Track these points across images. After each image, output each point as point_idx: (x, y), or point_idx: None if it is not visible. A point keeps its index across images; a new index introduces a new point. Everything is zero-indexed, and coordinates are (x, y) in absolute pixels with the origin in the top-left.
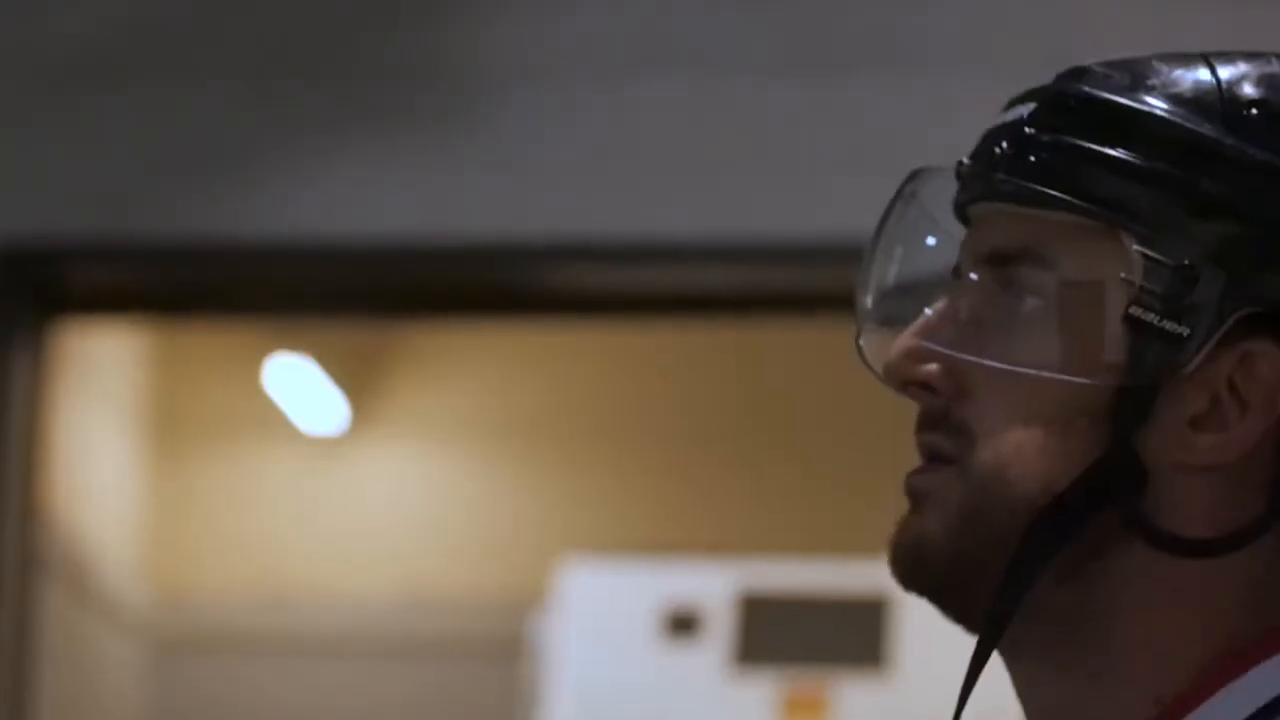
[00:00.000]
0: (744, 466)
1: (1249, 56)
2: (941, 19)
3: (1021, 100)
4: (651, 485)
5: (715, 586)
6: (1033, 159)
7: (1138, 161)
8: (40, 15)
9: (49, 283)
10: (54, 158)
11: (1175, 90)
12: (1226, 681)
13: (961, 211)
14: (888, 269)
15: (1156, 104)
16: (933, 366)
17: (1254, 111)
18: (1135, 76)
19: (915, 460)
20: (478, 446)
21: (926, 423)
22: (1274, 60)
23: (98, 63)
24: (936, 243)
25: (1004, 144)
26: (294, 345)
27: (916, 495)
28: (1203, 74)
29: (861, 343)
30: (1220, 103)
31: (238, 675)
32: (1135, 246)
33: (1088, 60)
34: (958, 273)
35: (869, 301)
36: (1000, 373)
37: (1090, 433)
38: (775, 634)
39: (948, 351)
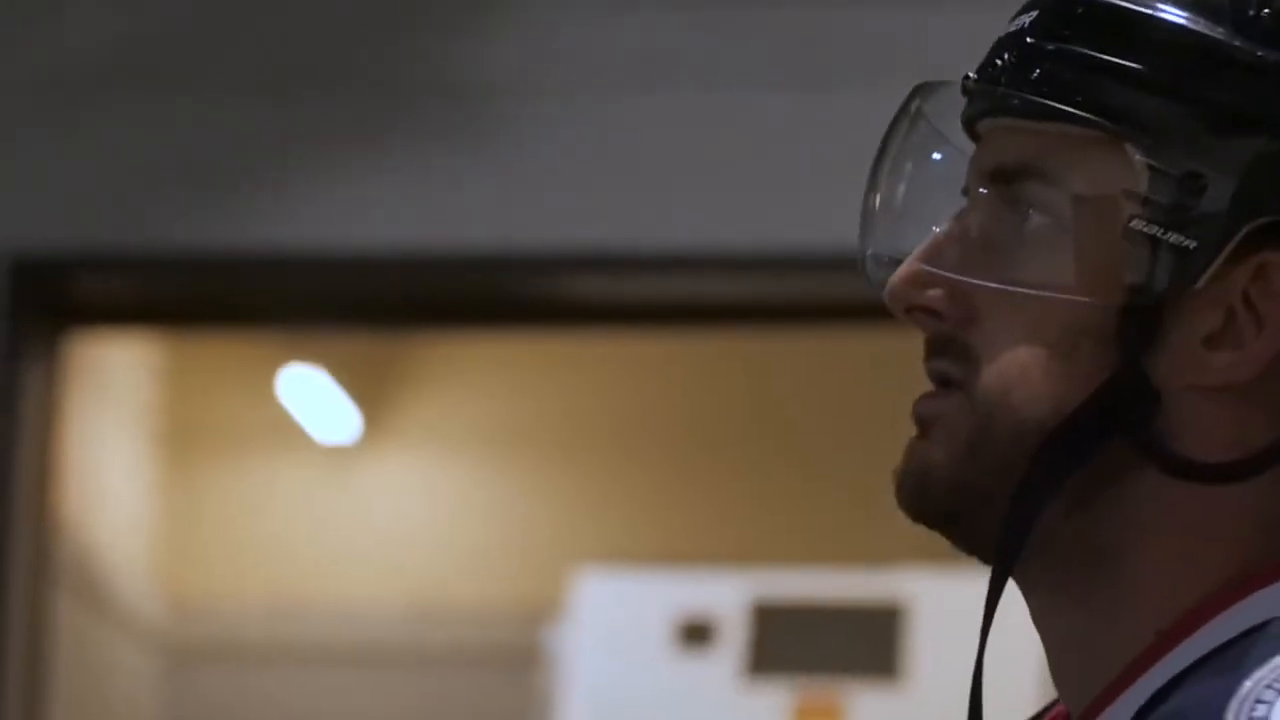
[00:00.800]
0: (755, 475)
1: None
2: (944, 29)
3: (1029, 8)
4: (663, 495)
5: (728, 596)
6: (1035, 70)
7: (1142, 69)
8: (51, 25)
9: (60, 294)
10: (64, 168)
11: None
12: (1231, 604)
13: (970, 127)
14: (894, 188)
15: (1162, 7)
16: (937, 291)
17: (1265, 12)
18: None
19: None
20: (490, 456)
21: (934, 349)
22: None
23: (109, 73)
24: (943, 161)
25: (1006, 55)
26: (306, 355)
27: (923, 421)
28: None
29: (868, 266)
30: (1229, 3)
31: (249, 684)
32: (1139, 156)
33: None
34: (966, 192)
35: (874, 223)
36: (1005, 294)
37: (1097, 354)
38: (788, 643)
39: (949, 275)
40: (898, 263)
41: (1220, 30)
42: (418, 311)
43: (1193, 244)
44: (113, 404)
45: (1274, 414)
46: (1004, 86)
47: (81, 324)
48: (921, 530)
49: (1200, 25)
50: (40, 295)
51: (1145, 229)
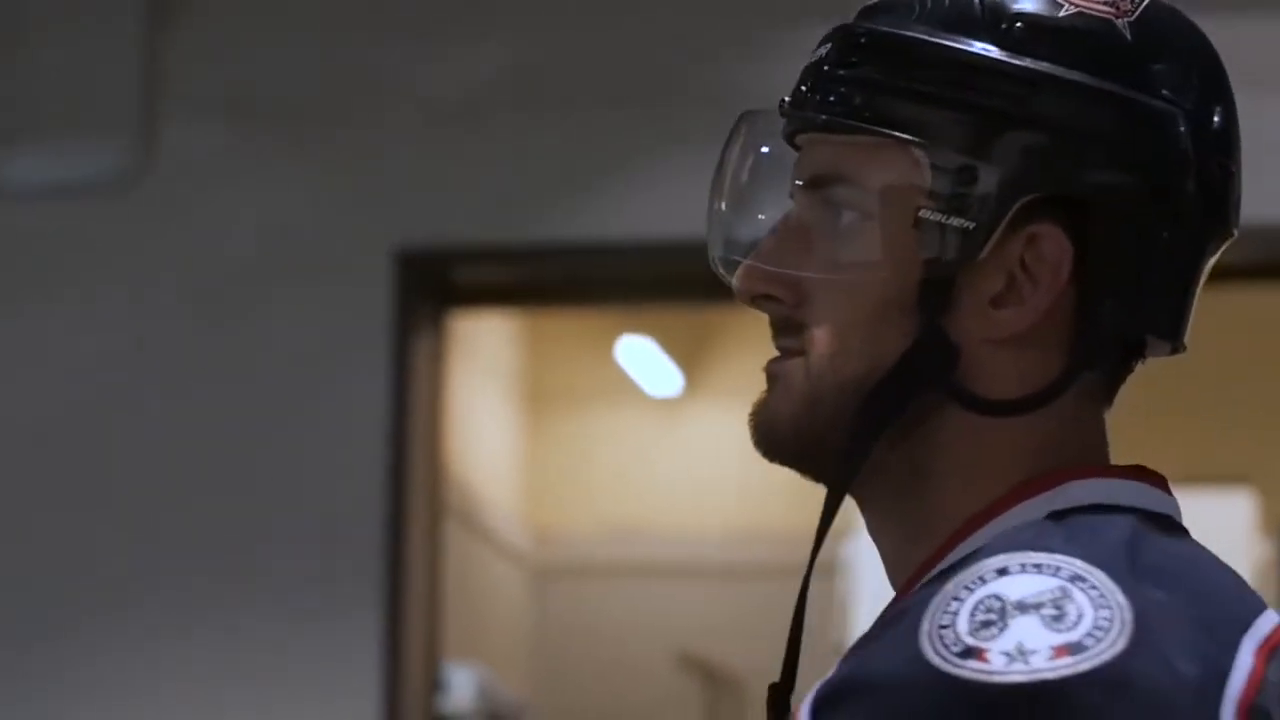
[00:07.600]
0: None
1: None
2: None
3: (825, 41)
4: None
5: None
6: (831, 92)
7: (917, 85)
8: (439, 57)
9: (443, 280)
10: (446, 174)
11: (944, 14)
12: (1018, 501)
13: (791, 141)
14: (733, 199)
15: (931, 31)
16: (771, 281)
17: (1017, 25)
18: (913, 5)
19: None
20: None
21: (778, 329)
22: None
23: (480, 98)
24: (769, 171)
25: (810, 82)
26: (639, 327)
27: (771, 378)
28: None
29: (718, 266)
30: (983, 19)
31: (596, 596)
32: (921, 156)
33: None
34: (792, 196)
35: (721, 232)
36: (823, 278)
37: (904, 321)
38: None
39: (772, 269)
40: (738, 262)
41: (978, 45)
42: (729, 289)
43: (972, 224)
44: (485, 370)
45: (1058, 354)
46: (810, 109)
47: (460, 305)
48: None
49: (961, 43)
50: (427, 282)
51: (932, 216)
